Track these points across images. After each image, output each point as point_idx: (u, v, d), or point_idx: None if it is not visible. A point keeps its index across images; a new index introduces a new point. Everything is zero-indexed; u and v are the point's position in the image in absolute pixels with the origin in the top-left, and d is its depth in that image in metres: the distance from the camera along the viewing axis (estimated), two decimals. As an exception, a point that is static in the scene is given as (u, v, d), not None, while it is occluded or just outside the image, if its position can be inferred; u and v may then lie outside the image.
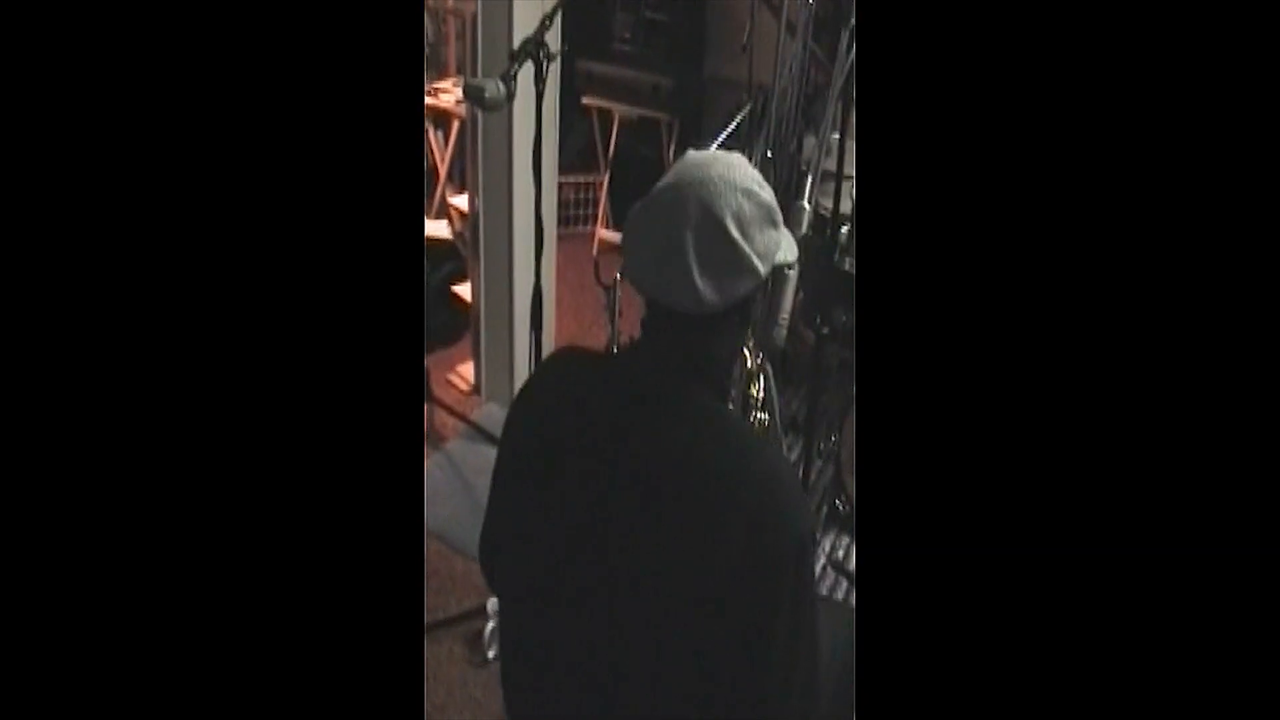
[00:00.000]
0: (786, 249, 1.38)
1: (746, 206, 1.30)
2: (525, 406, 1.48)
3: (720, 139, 3.58)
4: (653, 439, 1.31)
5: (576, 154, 4.94)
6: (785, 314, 1.64)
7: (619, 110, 4.88)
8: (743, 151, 3.44)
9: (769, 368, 1.70)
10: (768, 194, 1.33)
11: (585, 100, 4.87)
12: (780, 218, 1.35)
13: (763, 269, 1.32)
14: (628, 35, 4.99)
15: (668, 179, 1.35)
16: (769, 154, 2.75)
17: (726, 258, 1.29)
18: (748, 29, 3.52)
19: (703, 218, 1.28)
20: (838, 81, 1.96)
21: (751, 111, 3.34)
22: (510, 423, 1.48)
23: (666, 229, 1.30)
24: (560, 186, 4.19)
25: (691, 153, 1.38)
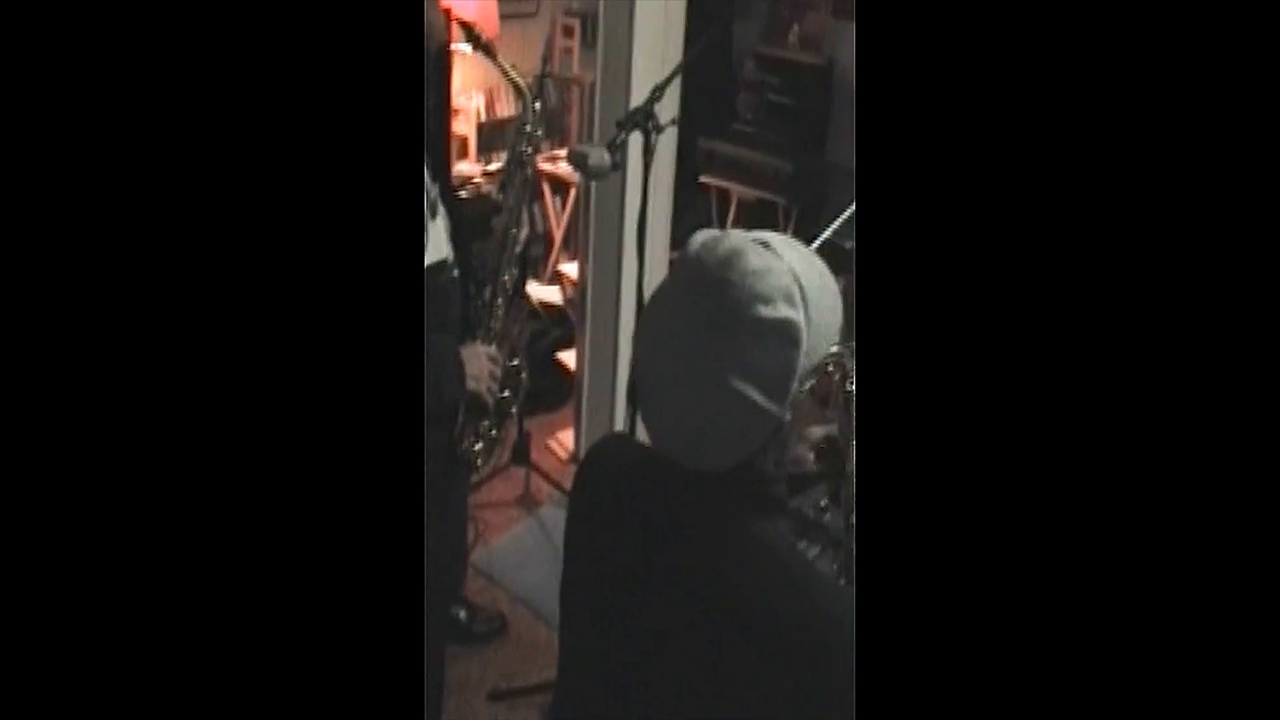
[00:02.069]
0: (814, 352, 1.16)
1: (758, 349, 1.11)
2: (578, 494, 1.38)
3: (830, 230, 3.55)
4: (687, 561, 1.21)
5: (692, 231, 4.96)
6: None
7: (737, 191, 4.90)
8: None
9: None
10: (781, 307, 1.11)
11: (704, 179, 4.90)
12: (800, 330, 1.12)
13: (779, 409, 1.14)
14: (750, 117, 5.02)
15: (663, 311, 1.18)
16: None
17: (742, 418, 1.13)
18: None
19: (700, 373, 1.12)
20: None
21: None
22: (570, 502, 1.40)
23: (665, 386, 1.16)
24: (671, 262, 4.20)
25: (690, 265, 1.17)
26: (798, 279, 1.14)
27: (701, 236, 1.19)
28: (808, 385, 1.19)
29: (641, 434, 1.31)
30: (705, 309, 1.12)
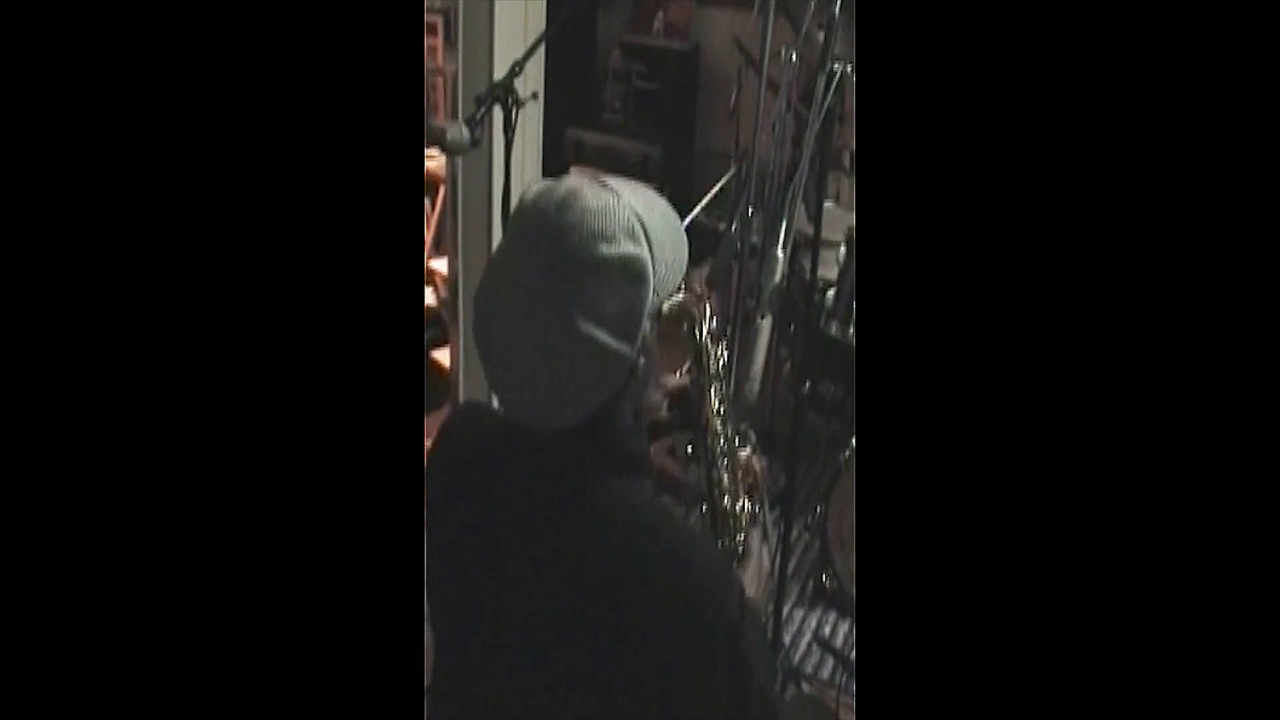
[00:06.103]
0: (662, 288, 1.13)
1: (602, 289, 1.06)
2: (436, 465, 1.31)
3: (703, 204, 3.56)
4: (554, 531, 1.17)
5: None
6: (758, 369, 1.57)
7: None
8: (729, 214, 3.41)
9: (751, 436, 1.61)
10: (621, 244, 1.07)
11: (574, 169, 4.87)
12: (645, 265, 1.09)
13: (629, 349, 1.09)
14: (618, 105, 5.03)
15: (502, 266, 1.12)
16: (750, 213, 2.70)
17: (585, 356, 1.07)
18: (734, 94, 3.50)
19: (545, 320, 1.07)
20: (810, 138, 1.89)
21: (737, 175, 3.31)
22: (427, 478, 1.31)
23: (510, 342, 1.10)
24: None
25: (526, 214, 1.11)
26: (638, 215, 1.10)
27: (536, 185, 1.14)
28: (653, 328, 1.16)
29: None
30: (545, 254, 1.08)
